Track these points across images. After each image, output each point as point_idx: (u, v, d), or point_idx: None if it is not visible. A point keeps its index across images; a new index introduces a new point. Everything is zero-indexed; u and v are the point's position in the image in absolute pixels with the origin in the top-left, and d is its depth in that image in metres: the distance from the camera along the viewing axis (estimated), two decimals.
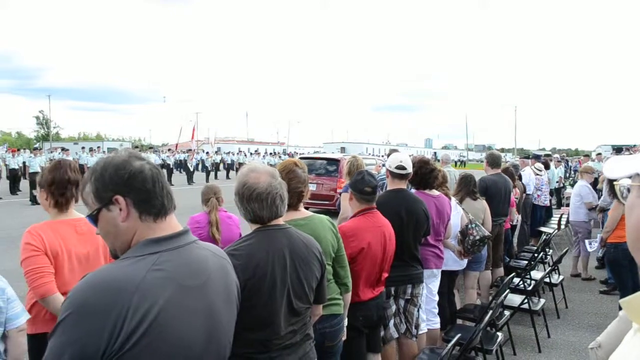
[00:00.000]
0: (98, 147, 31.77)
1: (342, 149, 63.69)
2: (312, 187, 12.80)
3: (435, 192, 4.41)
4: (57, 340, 1.26)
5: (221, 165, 35.69)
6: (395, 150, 5.74)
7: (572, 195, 8.66)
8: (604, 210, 7.48)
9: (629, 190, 1.04)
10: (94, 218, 1.45)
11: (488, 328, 4.58)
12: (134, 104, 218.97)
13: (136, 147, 38.80)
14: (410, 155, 4.37)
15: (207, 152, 35.44)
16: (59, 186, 2.86)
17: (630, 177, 1.02)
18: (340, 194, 5.48)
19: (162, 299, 1.33)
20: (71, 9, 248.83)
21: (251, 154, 36.56)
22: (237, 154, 37.19)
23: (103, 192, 1.42)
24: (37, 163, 18.30)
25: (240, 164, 34.01)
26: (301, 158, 14.80)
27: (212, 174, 31.06)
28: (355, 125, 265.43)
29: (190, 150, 29.77)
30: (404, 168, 3.90)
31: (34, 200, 16.99)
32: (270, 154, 40.28)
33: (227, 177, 33.10)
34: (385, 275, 3.47)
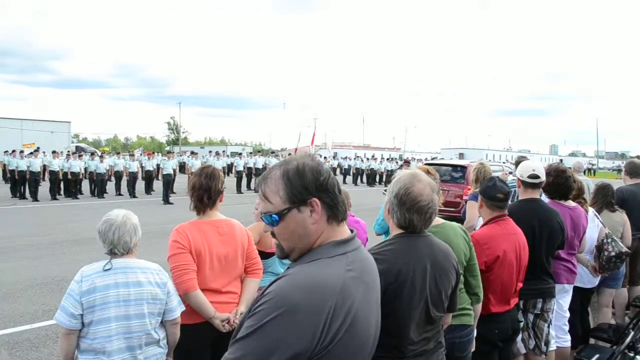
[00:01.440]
0: (223, 150, 33.62)
1: (461, 155, 61.90)
2: None
3: (571, 203, 4.17)
4: (262, 342, 1.24)
5: (337, 170, 36.17)
6: (524, 158, 5.51)
7: None
8: None
9: None
10: (279, 216, 1.45)
11: (627, 351, 4.26)
12: (255, 110, 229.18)
13: (258, 151, 40.51)
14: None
15: (325, 157, 36.10)
16: (197, 191, 3.09)
17: None
18: (466, 201, 5.36)
19: (357, 298, 1.37)
20: (198, 22, 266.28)
21: (368, 159, 36.68)
22: (354, 159, 37.54)
23: (299, 193, 1.43)
24: (170, 165, 19.78)
25: (357, 169, 34.32)
26: (427, 164, 14.65)
27: None
28: (473, 131, 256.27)
29: None
30: (537, 177, 3.75)
31: (166, 200, 18.42)
32: (387, 159, 40.18)
33: (344, 181, 33.48)
34: (520, 285, 3.36)
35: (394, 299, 2.11)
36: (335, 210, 1.48)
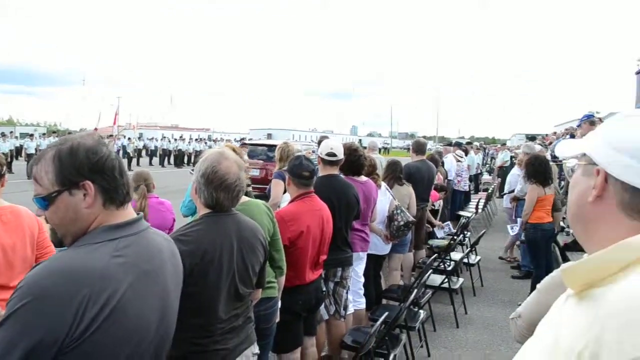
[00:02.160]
0: (10, 132, 29.73)
1: (269, 136, 63.41)
2: (255, 173, 12.76)
3: (363, 178, 4.57)
4: (10, 330, 1.20)
5: (144, 152, 34.58)
6: (325, 137, 5.87)
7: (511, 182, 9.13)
8: (518, 199, 7.98)
9: (573, 170, 1.18)
10: (48, 200, 1.38)
11: (411, 307, 4.84)
12: (50, 86, 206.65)
13: (53, 132, 36.64)
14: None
15: (129, 138, 34.14)
16: None
17: (577, 158, 1.17)
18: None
19: (124, 284, 1.33)
20: None
21: (175, 140, 35.58)
22: (161, 139, 36.14)
23: (69, 175, 1.36)
24: None
25: (165, 150, 33.12)
26: (245, 144, 14.94)
27: (134, 160, 30.05)
28: (282, 112, 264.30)
29: (111, 135, 28.51)
30: (334, 155, 4.02)
31: None
32: (196, 140, 39.42)
33: (150, 163, 32.12)
34: (324, 257, 3.59)
35: (200, 279, 2.11)
36: (114, 194, 1.42)
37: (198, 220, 2.27)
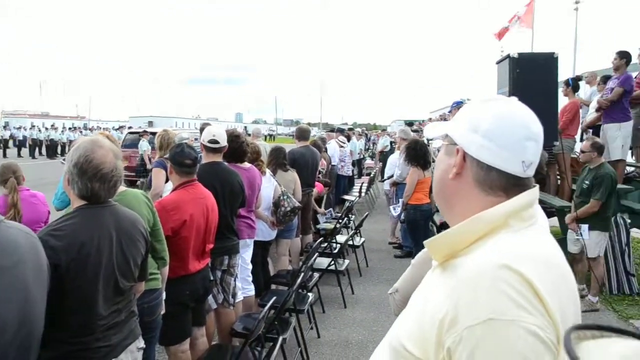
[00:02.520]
0: None
1: (150, 123, 60.92)
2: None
3: (246, 165, 4.54)
4: None
5: (10, 142, 31.75)
6: (208, 124, 5.75)
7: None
8: (397, 184, 8.37)
9: (439, 150, 1.26)
10: None
11: (300, 290, 4.92)
12: None
13: None
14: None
15: None
16: None
17: (441, 138, 1.25)
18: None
19: None
20: None
21: (47, 129, 32.98)
22: (30, 128, 33.32)
23: None
24: None
25: (35, 140, 30.61)
26: (131, 133, 14.31)
27: None
28: (164, 100, 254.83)
29: None
30: (217, 142, 3.96)
31: None
32: (70, 128, 36.78)
33: (19, 154, 29.56)
34: (210, 246, 3.53)
35: (77, 275, 1.99)
36: None
37: (72, 214, 2.13)
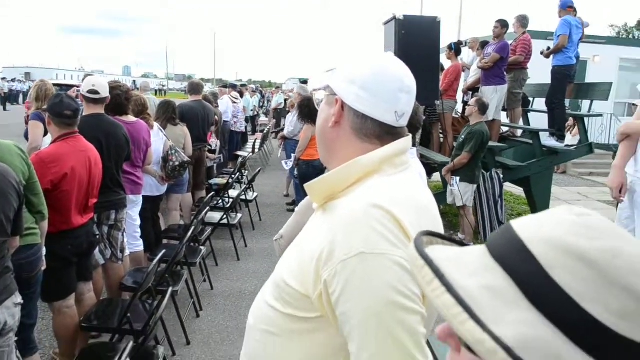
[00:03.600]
0: None
1: (27, 75, 55.97)
2: None
3: (131, 118, 4.39)
4: None
5: None
6: (90, 75, 5.44)
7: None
8: (286, 138, 8.48)
9: (322, 101, 1.34)
10: None
11: (192, 244, 4.94)
12: None
13: None
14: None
15: None
16: None
17: (323, 90, 1.32)
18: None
19: None
20: None
21: None
22: None
23: None
24: None
25: None
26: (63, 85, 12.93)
27: None
28: (43, 50, 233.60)
29: None
30: (97, 92, 3.78)
31: None
32: None
33: None
34: (94, 201, 3.41)
35: None
36: None
37: None
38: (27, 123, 4.55)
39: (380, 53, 1.29)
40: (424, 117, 7.58)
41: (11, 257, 2.40)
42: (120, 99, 4.17)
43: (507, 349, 0.50)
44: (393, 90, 1.19)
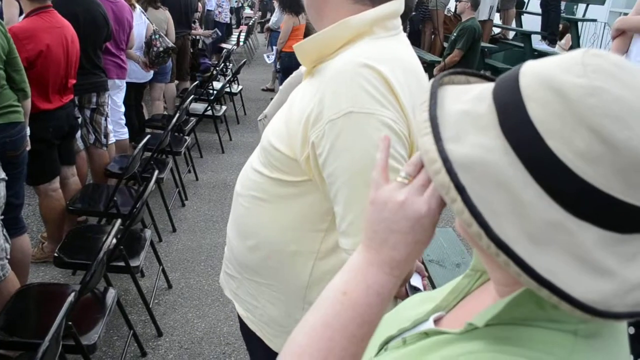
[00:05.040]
0: None
1: None
2: None
3: None
4: None
5: None
6: None
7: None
8: (271, 30, 8.16)
9: None
10: None
11: (176, 134, 4.88)
12: None
13: None
14: None
15: None
16: None
17: None
18: None
19: None
20: None
21: None
22: None
23: None
24: None
25: None
26: None
27: None
28: None
29: None
30: None
31: None
32: None
33: None
34: (73, 81, 3.27)
35: None
36: None
37: None
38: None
39: None
40: (414, 13, 7.33)
41: None
42: None
43: (445, 161, 0.51)
44: None
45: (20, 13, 3.72)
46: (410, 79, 1.11)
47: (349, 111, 1.01)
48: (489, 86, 0.59)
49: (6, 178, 2.28)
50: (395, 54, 1.13)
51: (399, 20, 1.19)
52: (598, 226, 0.50)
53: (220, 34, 8.07)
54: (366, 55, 1.06)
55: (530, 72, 0.54)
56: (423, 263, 1.31)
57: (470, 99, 0.59)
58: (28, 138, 2.77)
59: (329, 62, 1.12)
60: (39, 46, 2.95)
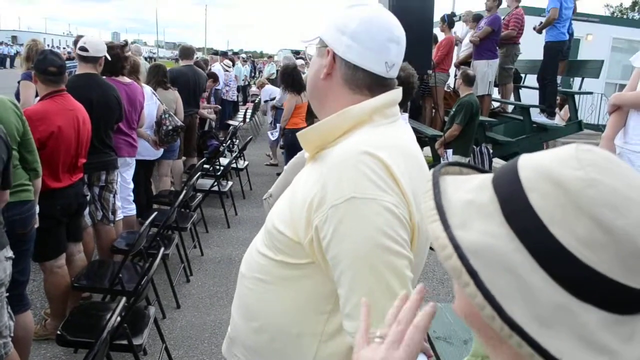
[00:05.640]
0: None
1: (14, 39, 54.83)
2: None
3: (126, 79, 4.33)
4: None
5: None
6: (81, 37, 5.33)
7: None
8: (277, 108, 8.44)
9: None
10: None
11: (183, 209, 4.94)
12: None
13: None
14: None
15: None
16: None
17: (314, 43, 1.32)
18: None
19: None
20: None
21: None
22: None
23: None
24: None
25: None
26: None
27: None
28: (28, 13, 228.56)
29: None
30: (86, 50, 3.71)
31: None
32: None
33: None
34: (83, 161, 3.37)
35: None
36: None
37: None
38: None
39: (369, 4, 1.29)
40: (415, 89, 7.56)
41: (4, 213, 2.39)
42: (119, 59, 4.12)
43: (457, 247, 0.55)
44: (383, 41, 1.20)
45: (36, 95, 3.90)
46: (409, 163, 1.16)
47: (351, 196, 1.05)
48: (488, 177, 0.64)
49: (13, 256, 2.31)
50: (394, 140, 1.18)
51: (397, 108, 1.26)
52: (601, 308, 0.53)
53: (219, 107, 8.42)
54: (367, 143, 1.11)
55: (528, 165, 0.58)
56: (430, 341, 1.32)
57: (473, 189, 0.63)
58: (37, 216, 2.82)
59: (331, 148, 1.18)
60: (50, 128, 3.07)
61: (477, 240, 0.55)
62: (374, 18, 1.21)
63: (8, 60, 37.67)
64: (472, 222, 0.58)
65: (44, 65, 3.14)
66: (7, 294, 2.35)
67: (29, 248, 2.76)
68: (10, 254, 2.29)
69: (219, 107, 8.69)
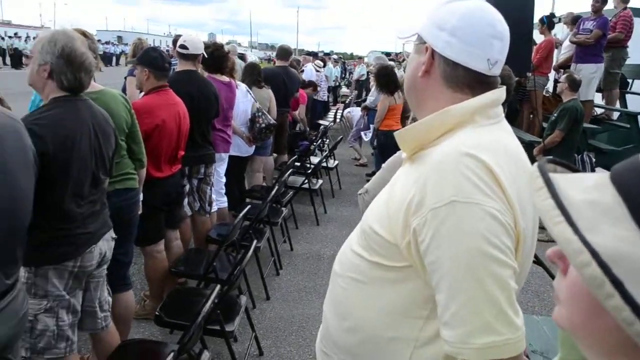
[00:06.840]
0: None
1: (119, 39, 58.80)
2: None
3: (225, 78, 4.50)
4: None
5: None
6: (179, 36, 5.61)
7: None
8: (368, 109, 8.42)
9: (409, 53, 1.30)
10: None
11: (274, 204, 5.05)
12: None
13: None
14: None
15: None
16: None
17: (411, 39, 1.28)
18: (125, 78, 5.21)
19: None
20: None
21: (10, 37, 31.60)
22: None
23: None
24: None
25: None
26: None
27: None
28: (132, 14, 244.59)
29: None
30: (186, 48, 3.89)
31: None
32: (34, 38, 35.27)
33: None
34: (182, 153, 3.55)
35: (65, 165, 2.05)
36: None
37: (51, 105, 2.14)
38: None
39: None
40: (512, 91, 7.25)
41: (112, 199, 2.56)
42: (222, 59, 4.30)
43: (594, 253, 0.48)
44: (485, 36, 1.13)
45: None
46: (515, 167, 1.08)
47: (453, 200, 1.00)
48: (604, 176, 0.57)
49: (116, 237, 2.47)
50: (498, 142, 1.11)
51: (501, 108, 1.19)
52: None
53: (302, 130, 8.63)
54: (468, 144, 1.06)
55: None
56: (527, 355, 1.25)
57: (590, 188, 0.57)
58: (141, 203, 3.00)
59: (430, 149, 1.13)
60: (155, 120, 3.25)
61: (611, 245, 0.49)
62: (475, 13, 1.14)
63: (114, 58, 40.43)
64: (601, 226, 0.51)
65: (161, 62, 3.33)
66: (112, 274, 2.53)
67: (133, 232, 2.94)
68: (114, 234, 2.46)
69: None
